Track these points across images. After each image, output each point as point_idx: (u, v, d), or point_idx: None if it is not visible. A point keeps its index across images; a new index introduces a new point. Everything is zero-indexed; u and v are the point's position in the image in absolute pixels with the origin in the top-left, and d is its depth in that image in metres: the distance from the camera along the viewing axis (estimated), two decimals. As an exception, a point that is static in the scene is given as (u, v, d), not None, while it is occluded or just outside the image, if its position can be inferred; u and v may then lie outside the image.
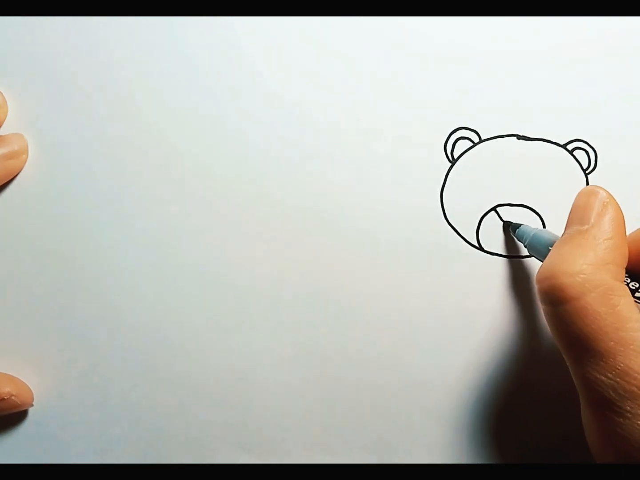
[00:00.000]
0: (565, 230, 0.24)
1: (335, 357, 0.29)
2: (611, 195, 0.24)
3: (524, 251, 0.29)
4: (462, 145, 0.29)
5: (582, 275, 0.22)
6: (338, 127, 0.29)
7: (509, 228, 0.29)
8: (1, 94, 0.29)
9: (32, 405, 0.29)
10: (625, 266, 0.23)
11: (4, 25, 0.29)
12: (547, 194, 0.29)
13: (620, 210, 0.24)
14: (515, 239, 0.28)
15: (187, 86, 0.29)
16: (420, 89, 0.29)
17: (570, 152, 0.29)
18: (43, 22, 0.29)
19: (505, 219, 0.29)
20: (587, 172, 0.29)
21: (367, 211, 0.29)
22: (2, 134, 0.29)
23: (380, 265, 0.29)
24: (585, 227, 0.23)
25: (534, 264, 0.29)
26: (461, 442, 0.29)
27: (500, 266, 0.29)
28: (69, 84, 0.29)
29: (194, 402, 0.30)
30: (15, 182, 0.29)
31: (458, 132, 0.29)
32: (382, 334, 0.29)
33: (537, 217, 0.29)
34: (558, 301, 0.22)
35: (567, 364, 0.23)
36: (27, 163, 0.29)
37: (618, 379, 0.21)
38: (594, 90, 0.29)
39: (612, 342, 0.21)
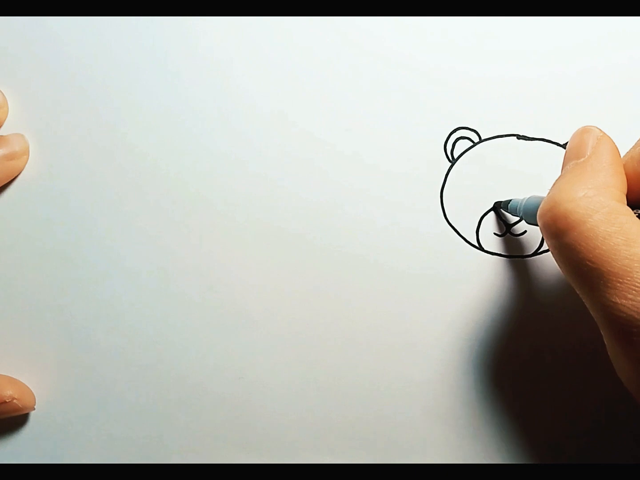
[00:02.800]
0: (563, 166, 0.24)
1: (335, 357, 0.29)
2: (604, 131, 0.24)
3: (524, 251, 0.29)
4: (462, 145, 0.29)
5: (585, 199, 0.21)
6: (338, 127, 0.29)
7: (500, 207, 0.29)
8: (2, 93, 0.29)
9: (34, 408, 0.29)
10: (625, 192, 0.22)
11: (4, 25, 0.29)
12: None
13: (614, 143, 0.23)
14: (509, 215, 0.28)
15: (189, 86, 0.29)
16: (421, 89, 0.29)
17: (570, 152, 0.29)
18: (43, 22, 0.29)
19: (505, 220, 0.29)
20: (587, 172, 0.29)
21: (367, 211, 0.29)
22: (3, 134, 0.29)
23: (380, 265, 0.29)
24: (582, 159, 0.23)
25: (534, 264, 0.29)
26: (461, 442, 0.29)
27: (500, 266, 0.29)
28: (69, 84, 0.29)
29: (194, 402, 0.30)
30: (15, 183, 0.29)
31: (458, 132, 0.29)
32: (381, 334, 0.29)
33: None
34: (564, 230, 0.21)
35: (583, 298, 0.22)
36: (27, 163, 0.29)
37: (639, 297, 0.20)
38: (594, 90, 0.29)
39: (626, 260, 0.20)
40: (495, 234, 0.29)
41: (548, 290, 0.29)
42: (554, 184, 0.23)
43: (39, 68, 0.29)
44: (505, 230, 0.29)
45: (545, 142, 0.29)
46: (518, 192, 0.29)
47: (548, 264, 0.29)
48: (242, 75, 0.29)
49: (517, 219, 0.29)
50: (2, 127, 0.29)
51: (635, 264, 0.20)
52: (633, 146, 0.24)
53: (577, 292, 0.22)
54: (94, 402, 0.30)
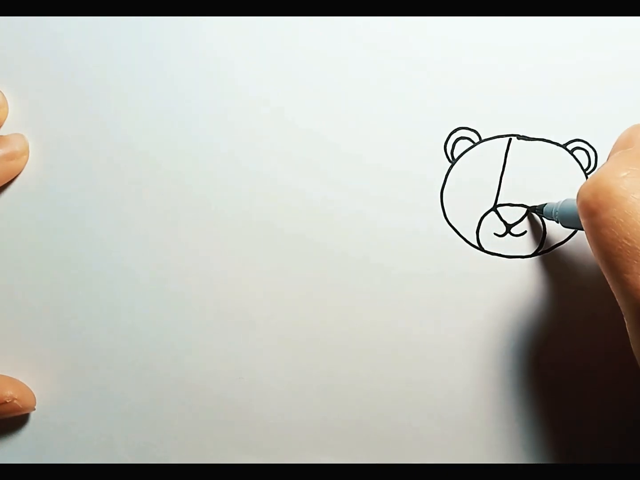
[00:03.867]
0: (608, 159, 0.24)
1: (335, 356, 0.29)
2: None
3: (524, 251, 0.29)
4: (462, 145, 0.29)
5: (628, 178, 0.21)
6: (338, 128, 0.29)
7: (534, 212, 0.29)
8: (1, 93, 0.29)
9: (34, 409, 0.29)
10: None
11: (4, 25, 0.29)
12: (547, 194, 0.29)
13: None
14: (545, 219, 0.28)
15: (189, 86, 0.29)
16: (421, 89, 0.29)
17: (570, 152, 0.29)
18: (43, 22, 0.29)
19: (505, 219, 0.29)
20: (587, 172, 0.29)
21: (366, 211, 0.29)
22: (3, 134, 0.29)
23: (379, 265, 0.29)
24: (629, 149, 0.23)
25: (534, 264, 0.29)
26: (461, 442, 0.29)
27: (500, 266, 0.29)
28: (69, 84, 0.29)
29: (194, 402, 0.30)
30: (15, 183, 0.29)
31: (458, 132, 0.29)
32: (381, 334, 0.29)
33: (538, 217, 0.29)
34: (604, 206, 0.21)
35: (613, 283, 0.21)
36: (27, 163, 0.29)
37: None
38: (594, 90, 0.29)
39: None
40: (495, 234, 0.29)
41: (548, 291, 0.29)
42: (598, 169, 0.23)
43: (38, 68, 0.29)
44: (505, 230, 0.29)
45: (545, 142, 0.29)
46: (518, 192, 0.29)
47: (548, 264, 0.29)
48: (242, 75, 0.29)
49: (518, 219, 0.29)
50: (2, 127, 0.29)
51: None
52: None
53: (606, 273, 0.22)
54: (94, 403, 0.30)
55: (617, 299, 0.22)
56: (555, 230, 0.29)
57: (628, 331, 0.22)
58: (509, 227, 0.29)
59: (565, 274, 0.29)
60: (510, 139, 0.29)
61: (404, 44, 0.29)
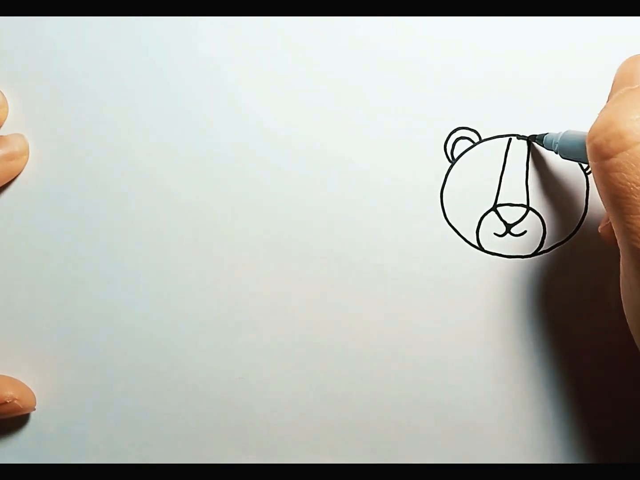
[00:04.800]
0: (611, 94, 0.24)
1: (335, 356, 0.29)
2: None
3: (524, 251, 0.29)
4: (462, 145, 0.29)
5: None
6: (337, 128, 0.29)
7: (534, 140, 0.28)
8: (1, 93, 0.29)
9: (35, 409, 0.29)
10: None
11: (4, 25, 0.29)
12: (547, 194, 0.29)
13: None
14: (544, 148, 0.28)
15: (189, 88, 0.29)
16: (420, 89, 0.29)
17: (570, 152, 0.29)
18: (43, 23, 0.29)
19: (505, 219, 0.29)
20: (587, 172, 0.29)
21: (366, 211, 0.29)
22: (3, 134, 0.29)
23: (379, 265, 0.29)
24: (636, 86, 0.23)
25: (534, 264, 0.29)
26: (461, 442, 0.29)
27: (500, 266, 0.29)
28: (69, 84, 0.29)
29: (194, 402, 0.30)
30: (15, 183, 0.29)
31: (458, 132, 0.29)
32: (381, 334, 0.29)
33: (538, 217, 0.29)
34: (617, 150, 0.21)
35: (616, 222, 0.22)
36: (27, 164, 0.29)
37: None
38: (594, 90, 0.29)
39: None
40: (495, 234, 0.29)
41: (548, 291, 0.29)
42: (605, 107, 0.23)
43: (38, 68, 0.29)
44: (505, 230, 0.29)
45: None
46: (518, 192, 0.29)
47: (548, 264, 0.29)
48: (241, 77, 0.29)
49: (518, 219, 0.29)
50: (2, 127, 0.29)
51: None
52: None
53: (611, 213, 0.22)
54: (94, 403, 0.30)
55: (617, 238, 0.22)
56: (555, 231, 0.29)
57: (621, 269, 0.22)
58: (509, 227, 0.29)
59: (565, 274, 0.29)
60: (510, 139, 0.29)
61: (403, 44, 0.29)
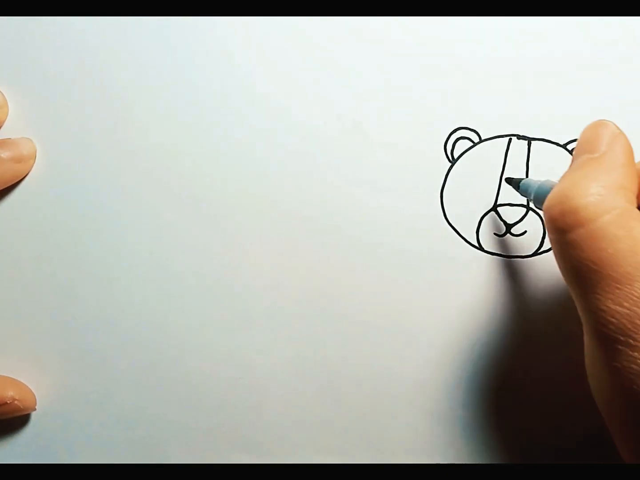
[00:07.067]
0: (573, 161, 0.23)
1: (335, 356, 0.29)
2: (620, 128, 0.23)
3: (524, 251, 0.29)
4: (462, 145, 0.29)
5: (597, 197, 0.20)
6: (337, 128, 0.29)
7: (510, 183, 0.28)
8: (1, 93, 0.29)
9: (35, 409, 0.29)
10: (637, 194, 0.22)
11: (4, 25, 0.29)
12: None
13: (629, 142, 0.23)
14: (519, 194, 0.28)
15: (194, 87, 0.29)
16: (421, 89, 0.29)
17: (570, 152, 0.29)
18: (44, 23, 0.29)
19: (505, 219, 0.29)
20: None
21: (366, 212, 0.29)
22: (5, 135, 0.29)
23: (380, 266, 0.29)
24: (597, 154, 0.22)
25: (534, 264, 0.29)
26: (461, 442, 0.29)
27: (500, 266, 0.29)
28: (70, 85, 0.29)
29: (194, 402, 0.30)
30: (20, 186, 0.29)
31: (458, 132, 0.29)
32: (381, 334, 0.29)
33: (538, 217, 0.29)
34: (571, 225, 0.20)
35: (577, 299, 0.21)
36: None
37: (635, 308, 0.19)
38: (594, 90, 0.29)
39: (629, 267, 0.20)
40: (495, 234, 0.29)
41: (548, 291, 0.29)
42: (564, 176, 0.22)
43: (40, 69, 0.29)
44: (505, 230, 0.29)
45: (545, 142, 0.29)
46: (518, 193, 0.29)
47: (548, 264, 0.29)
48: (246, 75, 0.29)
49: (518, 219, 0.29)
50: (3, 129, 0.29)
51: (638, 273, 0.20)
52: None
53: (571, 291, 0.22)
54: (94, 403, 0.30)
55: (579, 313, 0.22)
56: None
57: (584, 346, 0.22)
58: (509, 227, 0.29)
59: (565, 274, 0.29)
60: (510, 139, 0.29)
61: (404, 44, 0.29)
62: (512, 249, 0.29)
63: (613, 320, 0.20)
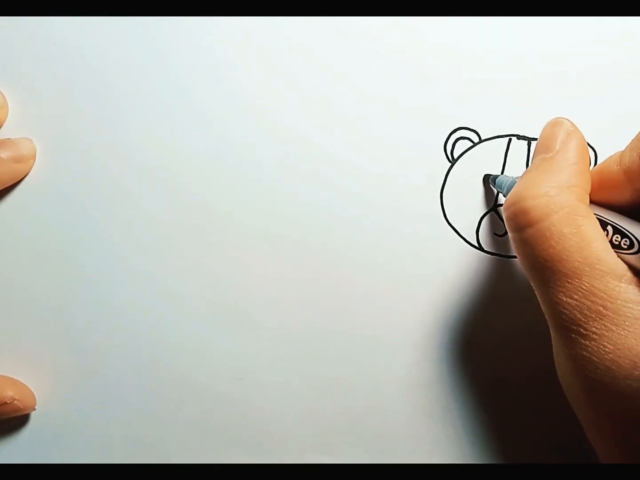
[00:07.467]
0: (531, 161, 0.25)
1: (335, 357, 0.29)
2: (575, 125, 0.24)
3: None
4: (462, 145, 0.29)
5: (546, 197, 0.22)
6: (337, 128, 0.29)
7: (489, 180, 0.29)
8: (1, 93, 0.29)
9: (35, 409, 0.29)
10: (589, 192, 0.23)
11: (4, 26, 0.29)
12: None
13: (584, 139, 0.24)
14: (495, 190, 0.29)
15: (193, 87, 0.29)
16: (421, 89, 0.29)
17: (570, 152, 0.29)
18: (44, 23, 0.29)
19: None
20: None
21: (366, 212, 0.29)
22: (5, 136, 0.29)
23: (379, 266, 0.29)
24: (550, 154, 0.23)
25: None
26: (461, 442, 0.29)
27: (500, 266, 0.29)
28: (72, 86, 0.29)
29: (194, 402, 0.30)
30: (20, 186, 0.29)
31: (458, 132, 0.29)
32: (381, 334, 0.29)
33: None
34: (523, 225, 0.22)
35: (537, 293, 0.23)
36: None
37: (584, 300, 0.21)
38: (594, 90, 0.29)
39: (577, 262, 0.21)
40: (495, 234, 0.29)
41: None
42: (521, 176, 0.24)
43: (40, 69, 0.29)
44: (505, 230, 0.29)
45: (545, 142, 0.29)
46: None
47: (548, 264, 0.29)
48: (246, 77, 0.29)
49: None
50: (3, 129, 0.29)
51: (585, 268, 0.21)
52: (627, 146, 0.24)
53: (532, 286, 0.23)
54: (94, 403, 0.30)
55: (541, 306, 0.23)
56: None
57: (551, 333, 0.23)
58: (509, 227, 0.29)
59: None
60: (510, 139, 0.29)
61: (404, 44, 0.29)
62: (512, 249, 0.29)
63: (566, 311, 0.21)
